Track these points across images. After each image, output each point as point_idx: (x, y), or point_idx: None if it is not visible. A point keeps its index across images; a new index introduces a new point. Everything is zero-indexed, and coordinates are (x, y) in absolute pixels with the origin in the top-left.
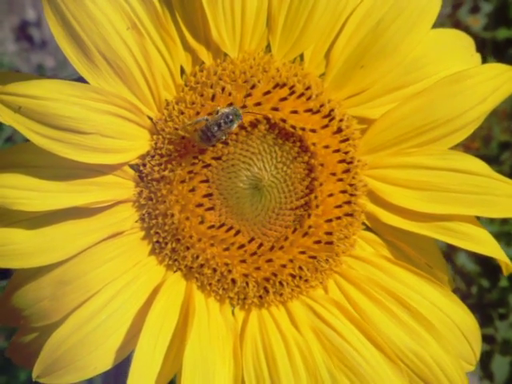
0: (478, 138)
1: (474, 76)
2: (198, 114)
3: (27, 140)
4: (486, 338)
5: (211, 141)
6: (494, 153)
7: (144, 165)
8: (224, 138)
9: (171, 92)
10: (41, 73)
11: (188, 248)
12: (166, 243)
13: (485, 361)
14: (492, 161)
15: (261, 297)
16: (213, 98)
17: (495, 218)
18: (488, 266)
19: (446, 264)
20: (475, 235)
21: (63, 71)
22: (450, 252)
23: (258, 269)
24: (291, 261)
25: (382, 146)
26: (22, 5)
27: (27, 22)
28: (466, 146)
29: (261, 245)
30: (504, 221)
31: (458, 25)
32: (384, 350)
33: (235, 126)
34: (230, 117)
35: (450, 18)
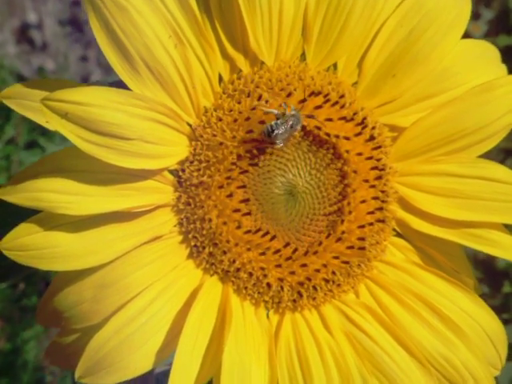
0: None
1: (503, 86)
2: (235, 120)
3: (70, 145)
4: None
5: (271, 138)
6: (496, 160)
7: (183, 170)
8: (283, 139)
9: (209, 99)
10: (41, 75)
11: (225, 252)
12: (204, 247)
13: None
14: None
15: (295, 301)
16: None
17: None
18: (491, 271)
19: (472, 270)
20: (503, 242)
21: (64, 74)
22: None
23: (292, 273)
24: (325, 266)
25: (413, 153)
26: (22, 7)
27: (28, 24)
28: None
29: (295, 250)
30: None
31: None
32: (414, 354)
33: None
34: (297, 126)
35: None
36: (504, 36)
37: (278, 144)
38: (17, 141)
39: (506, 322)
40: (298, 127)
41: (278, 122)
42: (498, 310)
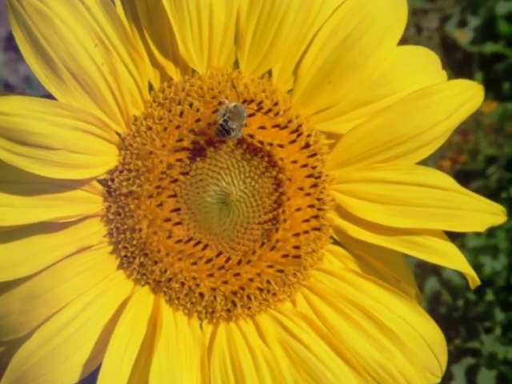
0: (465, 152)
1: (439, 92)
2: (165, 129)
3: None
4: (472, 352)
5: (228, 134)
6: (480, 166)
7: (112, 180)
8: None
9: (139, 108)
10: (28, 83)
11: (156, 262)
12: (134, 257)
13: (471, 374)
14: (479, 174)
15: (229, 310)
16: (181, 113)
17: (461, 231)
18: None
19: (414, 278)
20: (442, 249)
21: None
22: (435, 266)
23: (225, 283)
24: (259, 274)
25: (350, 160)
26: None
27: None
28: (453, 160)
29: (228, 259)
30: (490, 234)
31: (445, 39)
32: (351, 363)
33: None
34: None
35: (437, 32)
36: (491, 43)
37: (236, 136)
38: None
39: (488, 330)
40: (245, 115)
41: (225, 117)
42: (481, 319)
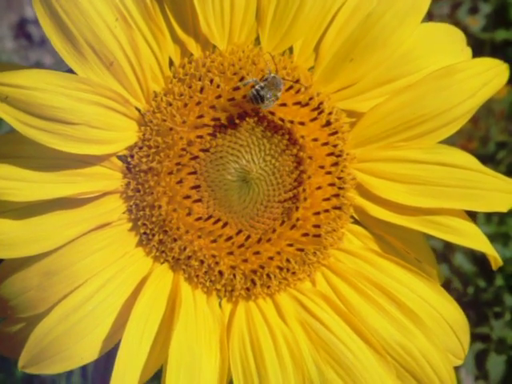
0: (475, 139)
1: (463, 70)
2: (186, 105)
3: (13, 130)
4: (482, 337)
5: (260, 100)
6: (491, 152)
7: (132, 156)
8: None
9: (159, 84)
10: None
11: (175, 240)
12: (154, 235)
13: (480, 359)
14: (489, 160)
15: (248, 289)
16: (201, 90)
17: (484, 212)
18: (484, 266)
19: (435, 258)
20: (463, 229)
21: (62, 69)
22: (447, 252)
23: (245, 261)
24: (279, 253)
25: (371, 139)
26: (20, 2)
27: (26, 19)
28: (463, 147)
29: (248, 237)
30: (501, 221)
31: (456, 25)
32: (371, 343)
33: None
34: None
35: (449, 19)
36: (502, 30)
37: (268, 106)
38: None
39: (498, 315)
40: (281, 87)
41: (261, 84)
42: (491, 304)
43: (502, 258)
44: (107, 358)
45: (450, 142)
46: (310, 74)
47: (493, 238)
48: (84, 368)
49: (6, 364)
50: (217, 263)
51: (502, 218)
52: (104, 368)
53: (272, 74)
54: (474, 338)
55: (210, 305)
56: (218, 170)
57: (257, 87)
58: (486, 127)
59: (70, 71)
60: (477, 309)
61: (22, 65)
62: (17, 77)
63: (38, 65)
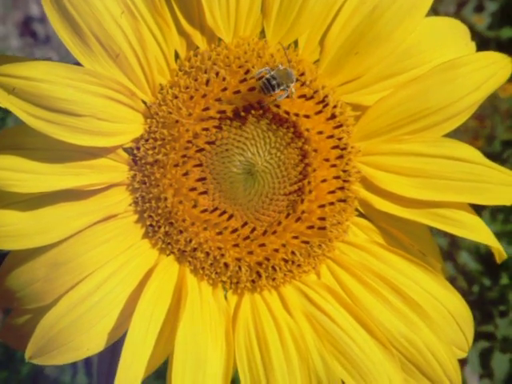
0: (481, 137)
1: (467, 64)
2: (191, 98)
3: (20, 122)
4: (486, 336)
5: (270, 91)
6: (496, 151)
7: (138, 148)
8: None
9: (165, 76)
10: None
11: (181, 232)
12: (159, 227)
13: (485, 358)
14: (495, 158)
15: (253, 281)
16: (207, 82)
17: (488, 205)
18: (489, 264)
19: (440, 251)
20: (468, 222)
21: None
22: (452, 250)
23: (250, 253)
24: (284, 245)
25: (376, 132)
26: (26, 0)
27: (31, 17)
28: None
29: (254, 229)
30: (506, 220)
31: (462, 23)
32: (376, 335)
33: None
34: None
35: (454, 17)
36: (508, 28)
37: (281, 96)
38: (7, 121)
39: (502, 314)
40: (292, 77)
41: (272, 73)
42: (496, 303)
43: (507, 256)
44: (112, 354)
45: (455, 139)
46: (315, 67)
47: (498, 236)
48: (88, 366)
49: (12, 361)
50: (222, 255)
51: (507, 216)
52: (109, 364)
53: (283, 66)
54: (479, 336)
55: (216, 297)
56: (223, 162)
57: (268, 76)
58: (492, 125)
59: (77, 64)
60: (482, 307)
61: (29, 58)
62: (24, 68)
63: None
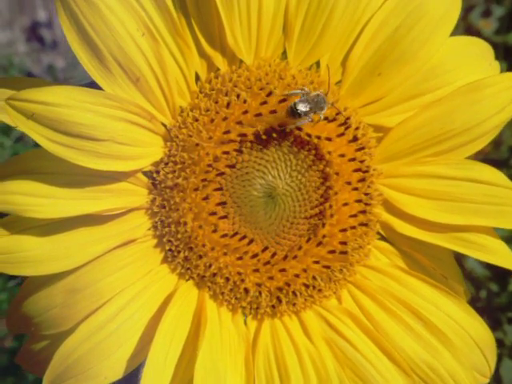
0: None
1: (492, 85)
2: (212, 121)
3: (38, 145)
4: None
5: (296, 113)
6: (504, 156)
7: (157, 172)
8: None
9: (186, 99)
10: (51, 73)
11: (201, 257)
12: (179, 251)
13: None
14: (502, 164)
15: (274, 306)
16: (228, 105)
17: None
18: (497, 270)
19: (461, 274)
20: (492, 247)
21: (74, 72)
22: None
23: (271, 278)
24: (305, 270)
25: (398, 154)
26: (33, 6)
27: (38, 22)
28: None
29: (274, 254)
30: None
31: (469, 28)
32: (397, 362)
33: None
34: (323, 104)
35: (461, 22)
36: None
37: (303, 121)
38: (25, 139)
39: (511, 321)
40: (323, 105)
41: (302, 98)
42: (504, 309)
43: None
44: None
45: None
46: (337, 88)
47: (507, 241)
48: None
49: (18, 367)
50: (242, 280)
51: None
52: None
53: (316, 92)
54: None
55: (236, 322)
56: (243, 185)
57: (301, 103)
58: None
59: (89, 85)
60: (490, 314)
61: (49, 81)
62: (43, 93)
63: (50, 68)
